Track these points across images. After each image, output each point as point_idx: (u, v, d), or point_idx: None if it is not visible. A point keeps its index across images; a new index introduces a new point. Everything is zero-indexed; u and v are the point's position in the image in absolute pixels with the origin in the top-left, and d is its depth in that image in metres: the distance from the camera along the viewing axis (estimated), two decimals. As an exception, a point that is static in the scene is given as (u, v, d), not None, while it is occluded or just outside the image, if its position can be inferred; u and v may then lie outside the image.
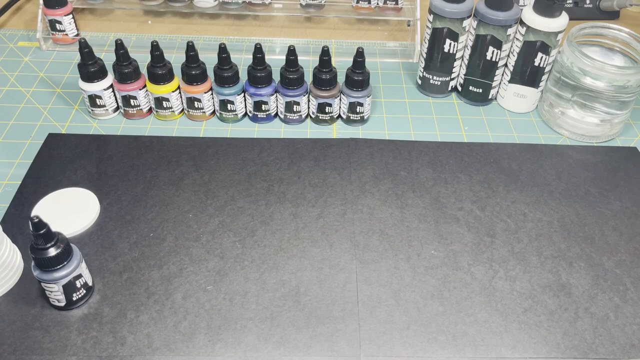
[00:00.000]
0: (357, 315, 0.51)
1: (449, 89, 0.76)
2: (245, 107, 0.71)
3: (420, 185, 0.63)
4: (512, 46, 0.70)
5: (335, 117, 0.71)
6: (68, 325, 0.49)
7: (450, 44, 0.71)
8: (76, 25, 0.83)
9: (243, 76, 0.70)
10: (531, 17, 0.66)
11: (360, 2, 0.84)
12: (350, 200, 0.61)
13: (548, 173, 0.65)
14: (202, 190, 0.62)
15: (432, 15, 0.70)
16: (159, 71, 0.67)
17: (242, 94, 0.70)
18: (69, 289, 0.49)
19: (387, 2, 0.84)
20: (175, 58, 0.80)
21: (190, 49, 0.66)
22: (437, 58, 0.73)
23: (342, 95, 0.69)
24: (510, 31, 0.68)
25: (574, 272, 0.55)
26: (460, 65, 0.75)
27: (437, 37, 0.71)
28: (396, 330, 0.50)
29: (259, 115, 0.71)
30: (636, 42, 0.68)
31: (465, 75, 0.74)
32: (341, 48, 0.85)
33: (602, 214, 0.61)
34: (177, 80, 0.69)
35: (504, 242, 0.57)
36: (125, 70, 0.67)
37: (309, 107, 0.71)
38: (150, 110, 0.71)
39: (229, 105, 0.69)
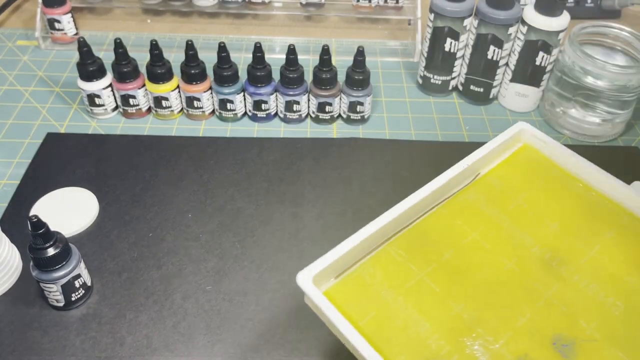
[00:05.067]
0: (358, 316, 0.50)
1: (450, 88, 0.76)
2: (245, 106, 0.71)
3: (421, 185, 0.63)
4: (513, 45, 0.70)
5: (335, 116, 0.71)
6: (67, 326, 0.49)
7: (451, 43, 0.70)
8: (75, 24, 0.82)
9: (243, 75, 0.70)
10: (532, 16, 0.66)
11: (360, 0, 0.84)
12: (350, 200, 0.61)
13: (549, 173, 0.65)
14: (201, 190, 0.61)
15: (432, 14, 0.69)
16: (158, 70, 0.67)
17: (242, 93, 0.69)
18: (67, 289, 0.48)
19: (388, 0, 0.84)
20: (175, 57, 0.79)
21: (190, 47, 0.65)
22: (438, 57, 0.73)
23: (342, 94, 0.69)
24: (511, 30, 0.68)
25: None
26: (461, 65, 0.74)
27: (438, 36, 0.71)
28: (397, 331, 0.50)
29: (258, 115, 0.70)
30: (638, 41, 0.68)
31: (466, 74, 0.74)
32: (341, 47, 0.85)
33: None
34: (177, 79, 0.69)
35: (505, 242, 0.57)
36: (124, 69, 0.67)
37: (309, 107, 0.71)
38: (149, 109, 0.71)
39: (228, 104, 0.69)
